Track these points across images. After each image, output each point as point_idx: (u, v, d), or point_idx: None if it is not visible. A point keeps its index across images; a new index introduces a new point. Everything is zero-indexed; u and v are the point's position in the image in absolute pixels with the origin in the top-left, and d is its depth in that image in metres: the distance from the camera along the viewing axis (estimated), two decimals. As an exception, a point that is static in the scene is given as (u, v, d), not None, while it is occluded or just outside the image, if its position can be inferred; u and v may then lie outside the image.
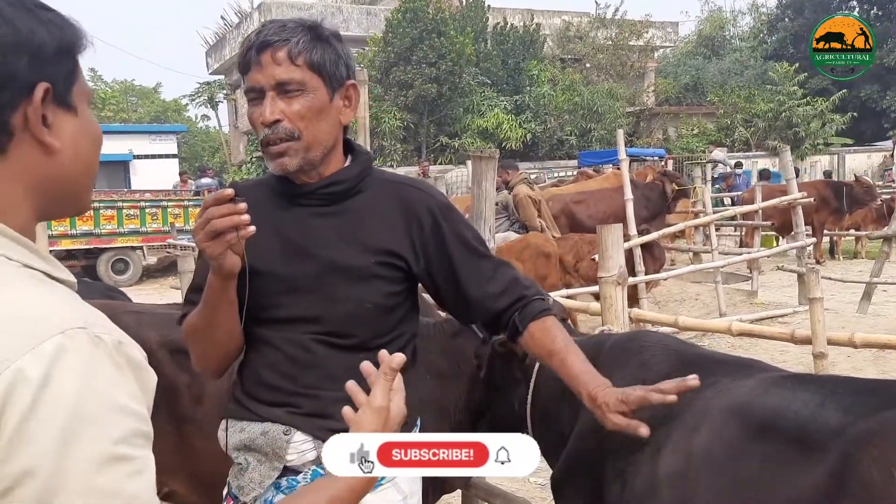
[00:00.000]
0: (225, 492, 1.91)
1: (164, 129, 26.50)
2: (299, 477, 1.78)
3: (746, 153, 27.34)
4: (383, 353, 1.26)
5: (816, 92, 29.04)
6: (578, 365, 1.81)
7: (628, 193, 8.85)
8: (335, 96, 1.76)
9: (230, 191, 1.54)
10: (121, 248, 16.04)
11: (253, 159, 26.59)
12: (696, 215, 11.99)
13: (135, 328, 2.60)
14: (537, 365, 2.25)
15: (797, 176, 13.27)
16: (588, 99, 27.15)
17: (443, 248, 1.84)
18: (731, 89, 29.77)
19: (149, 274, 17.13)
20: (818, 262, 13.12)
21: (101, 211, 15.68)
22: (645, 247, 8.53)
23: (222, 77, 33.31)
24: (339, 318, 1.78)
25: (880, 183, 20.88)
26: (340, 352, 1.78)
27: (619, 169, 9.73)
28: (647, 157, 22.55)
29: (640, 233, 8.50)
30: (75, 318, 0.90)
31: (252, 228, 1.54)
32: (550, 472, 2.19)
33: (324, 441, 1.74)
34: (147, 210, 16.10)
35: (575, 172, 19.94)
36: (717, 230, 11.22)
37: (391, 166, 23.77)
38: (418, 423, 1.98)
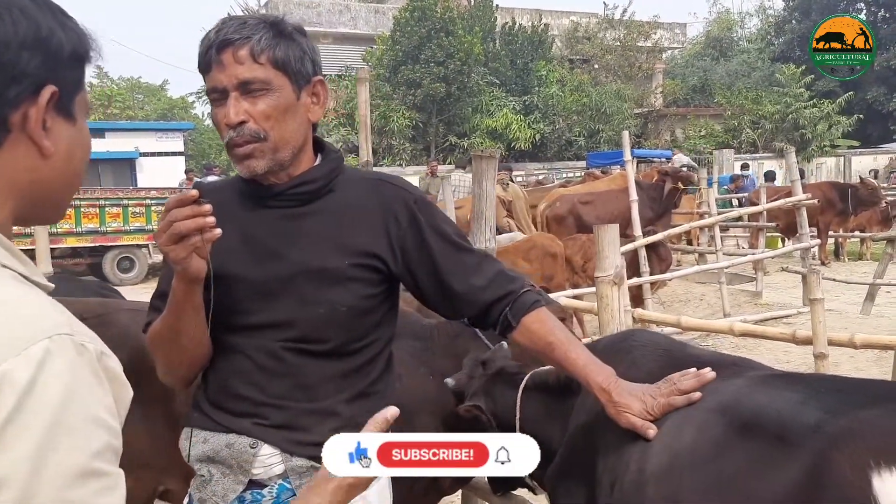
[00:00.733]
0: (185, 502, 1.84)
1: (170, 127, 26.64)
2: (265, 491, 1.72)
3: (753, 154, 27.32)
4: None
5: (823, 94, 29.06)
6: (583, 356, 1.78)
7: (633, 195, 8.86)
8: (302, 94, 1.70)
9: (194, 192, 1.48)
10: (126, 245, 15.90)
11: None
12: (702, 216, 12.01)
13: (130, 326, 2.60)
14: (520, 394, 2.20)
15: (803, 178, 13.26)
16: (596, 100, 27.18)
17: (422, 242, 1.78)
18: (738, 91, 29.77)
19: (155, 272, 17.07)
20: (823, 264, 13.12)
21: (107, 209, 15.53)
22: (651, 247, 8.53)
23: (230, 75, 33.29)
24: (311, 322, 1.71)
25: (885, 185, 20.84)
26: (312, 359, 1.72)
27: (625, 170, 9.73)
28: (655, 159, 22.56)
29: (646, 234, 8.50)
30: (62, 324, 0.88)
31: (217, 231, 1.48)
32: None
33: (292, 455, 1.71)
34: (153, 208, 15.90)
35: (582, 173, 19.98)
36: (725, 231, 11.19)
37: (400, 165, 23.79)
38: None
